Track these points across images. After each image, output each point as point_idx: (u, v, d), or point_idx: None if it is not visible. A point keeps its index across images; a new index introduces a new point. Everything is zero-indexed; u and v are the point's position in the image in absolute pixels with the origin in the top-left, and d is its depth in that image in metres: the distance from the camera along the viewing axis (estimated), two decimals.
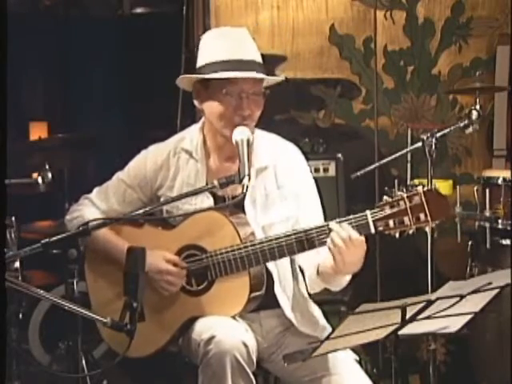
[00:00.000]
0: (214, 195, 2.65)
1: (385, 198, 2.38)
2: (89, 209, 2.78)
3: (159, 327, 2.64)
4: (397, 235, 2.37)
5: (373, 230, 2.38)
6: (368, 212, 2.38)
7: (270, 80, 2.67)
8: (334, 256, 2.37)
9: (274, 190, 2.67)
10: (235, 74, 2.54)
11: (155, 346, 2.66)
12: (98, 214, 2.75)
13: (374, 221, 2.37)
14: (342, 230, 2.36)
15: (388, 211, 2.35)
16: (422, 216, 2.32)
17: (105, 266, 2.71)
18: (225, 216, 2.57)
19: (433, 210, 2.31)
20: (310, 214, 2.66)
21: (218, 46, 2.61)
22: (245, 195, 2.58)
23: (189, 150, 2.73)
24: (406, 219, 2.34)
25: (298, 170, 2.73)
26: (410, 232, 2.36)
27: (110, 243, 2.69)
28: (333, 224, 2.40)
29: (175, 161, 2.74)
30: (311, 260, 2.55)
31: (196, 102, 2.68)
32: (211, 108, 2.62)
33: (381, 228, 2.36)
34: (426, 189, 2.34)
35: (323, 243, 2.43)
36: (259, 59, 2.63)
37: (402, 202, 2.34)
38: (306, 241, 2.46)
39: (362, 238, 2.37)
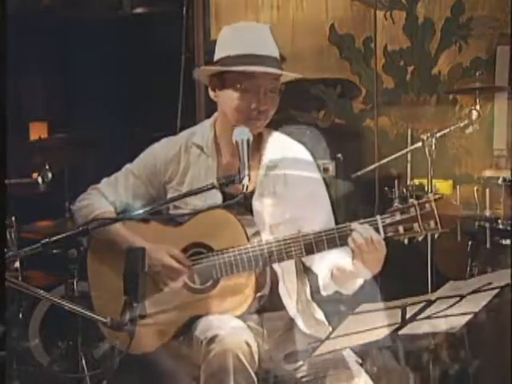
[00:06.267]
0: (224, 192, 2.60)
1: (395, 204, 2.41)
2: (98, 198, 2.76)
3: (162, 324, 2.63)
4: (405, 241, 2.38)
5: (382, 235, 2.38)
6: (378, 217, 2.38)
7: (287, 77, 2.64)
8: (355, 256, 2.37)
9: (282, 190, 2.65)
10: (258, 69, 2.53)
11: (157, 342, 2.64)
12: (107, 204, 2.74)
13: (384, 226, 2.37)
14: (365, 230, 2.37)
15: (398, 217, 2.37)
16: (431, 223, 2.34)
17: (111, 259, 2.67)
18: (233, 215, 2.55)
19: (443, 217, 2.33)
20: (319, 215, 2.64)
21: (238, 39, 2.60)
22: (252, 193, 2.59)
23: (200, 144, 2.72)
24: (415, 226, 2.36)
25: (307, 171, 2.71)
26: (420, 239, 2.38)
27: (120, 236, 2.65)
28: (355, 224, 2.39)
29: (186, 155, 2.72)
30: (325, 263, 2.54)
31: (211, 94, 2.67)
32: (228, 100, 2.60)
33: (390, 233, 2.38)
34: (437, 196, 2.36)
35: (332, 246, 2.43)
36: (277, 56, 2.61)
37: (412, 209, 2.36)
38: (314, 244, 2.45)
39: (382, 240, 2.37)
